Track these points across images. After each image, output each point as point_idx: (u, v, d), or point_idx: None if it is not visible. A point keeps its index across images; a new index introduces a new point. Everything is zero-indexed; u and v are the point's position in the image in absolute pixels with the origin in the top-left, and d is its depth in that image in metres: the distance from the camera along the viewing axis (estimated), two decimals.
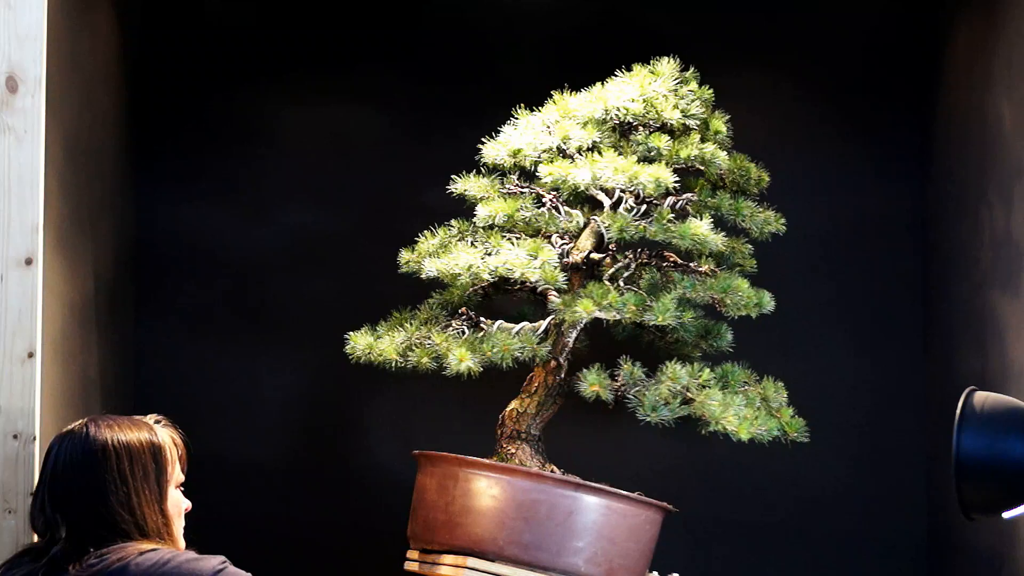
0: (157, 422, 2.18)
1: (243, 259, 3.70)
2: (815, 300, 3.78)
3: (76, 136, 2.91)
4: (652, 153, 2.78)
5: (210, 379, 3.69)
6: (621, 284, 2.76)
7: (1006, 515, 2.03)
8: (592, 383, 2.66)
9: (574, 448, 3.01)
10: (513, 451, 2.81)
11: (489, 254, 2.75)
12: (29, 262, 2.33)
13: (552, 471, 2.75)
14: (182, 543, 2.17)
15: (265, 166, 3.73)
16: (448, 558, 2.65)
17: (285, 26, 3.72)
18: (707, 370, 2.74)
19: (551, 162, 2.77)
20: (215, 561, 2.00)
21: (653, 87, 2.83)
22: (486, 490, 2.64)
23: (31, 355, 2.32)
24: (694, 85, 2.92)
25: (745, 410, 2.71)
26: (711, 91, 2.94)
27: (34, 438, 2.31)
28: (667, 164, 2.77)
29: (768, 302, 2.85)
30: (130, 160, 3.55)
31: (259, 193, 3.73)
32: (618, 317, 2.66)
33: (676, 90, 2.86)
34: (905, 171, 3.78)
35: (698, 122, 2.87)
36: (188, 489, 2.23)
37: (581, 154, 2.78)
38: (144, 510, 2.05)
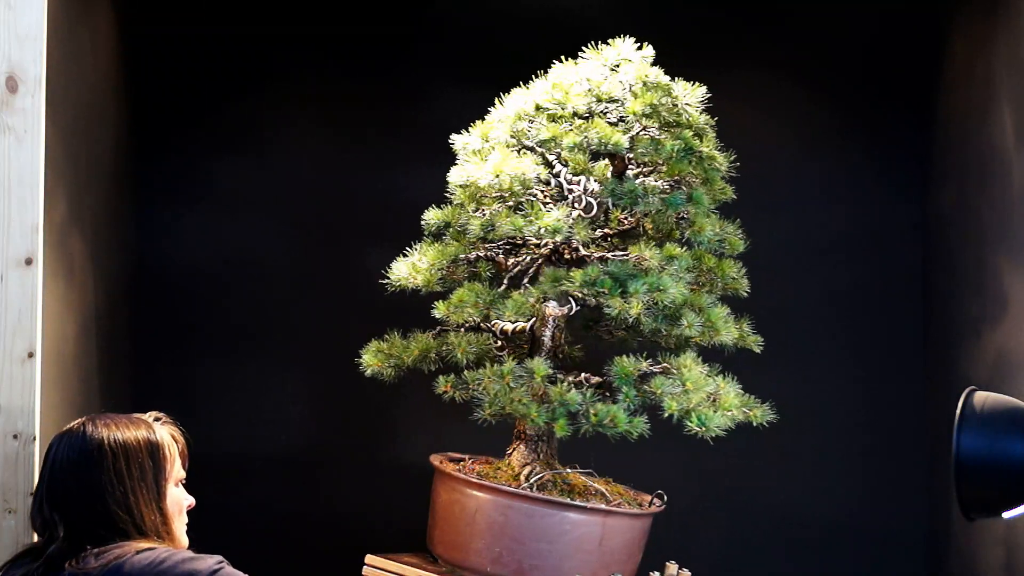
0: (157, 419, 2.18)
1: (243, 258, 3.71)
2: (815, 300, 3.78)
3: (76, 136, 2.91)
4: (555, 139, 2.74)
5: (210, 378, 3.70)
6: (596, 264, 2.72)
7: (1006, 515, 2.03)
8: (443, 384, 2.67)
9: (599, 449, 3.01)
10: (510, 451, 2.82)
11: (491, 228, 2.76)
12: (29, 262, 2.33)
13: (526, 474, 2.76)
14: (184, 540, 2.17)
15: (265, 167, 3.73)
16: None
17: (285, 27, 3.72)
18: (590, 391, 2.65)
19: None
20: (211, 561, 1.98)
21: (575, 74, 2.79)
22: (442, 494, 2.76)
23: (31, 355, 2.32)
24: (639, 69, 2.82)
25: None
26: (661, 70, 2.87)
27: (34, 438, 2.31)
28: (553, 153, 2.74)
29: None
30: (130, 160, 3.55)
31: (259, 193, 3.73)
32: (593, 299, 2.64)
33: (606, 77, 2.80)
34: (905, 171, 3.78)
35: (605, 106, 2.78)
36: (194, 487, 2.22)
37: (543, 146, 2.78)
38: (142, 509, 2.04)
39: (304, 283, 3.70)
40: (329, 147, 3.73)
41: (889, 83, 3.77)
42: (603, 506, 2.62)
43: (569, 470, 2.77)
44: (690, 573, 2.69)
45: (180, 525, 2.15)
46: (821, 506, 3.77)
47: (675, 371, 2.63)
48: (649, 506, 2.73)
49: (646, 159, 2.75)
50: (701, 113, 2.81)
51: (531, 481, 2.69)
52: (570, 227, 2.65)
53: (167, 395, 3.62)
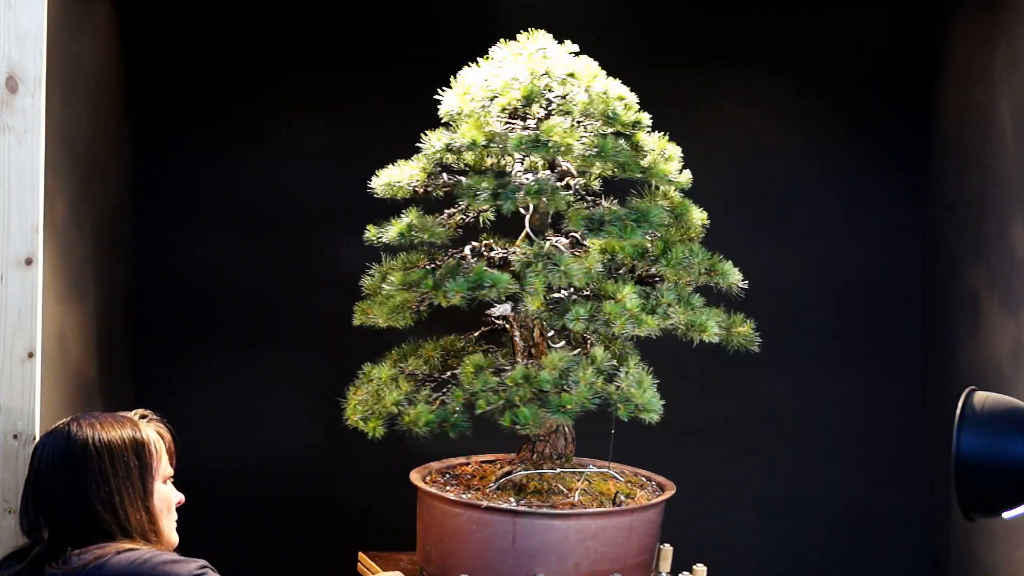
0: (143, 417, 2.15)
1: (243, 258, 3.71)
2: (815, 299, 3.78)
3: (76, 136, 2.91)
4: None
5: (211, 376, 3.70)
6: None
7: (1006, 515, 2.03)
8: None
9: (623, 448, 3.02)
10: (519, 449, 2.84)
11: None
12: (29, 262, 2.33)
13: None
14: (174, 538, 2.14)
15: (266, 166, 3.73)
16: None
17: (285, 27, 3.72)
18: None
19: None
20: (194, 565, 1.95)
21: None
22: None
23: (31, 355, 2.32)
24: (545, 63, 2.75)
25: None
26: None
27: (34, 438, 2.31)
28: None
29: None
30: (130, 160, 3.55)
31: (259, 193, 3.73)
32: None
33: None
34: (905, 171, 3.78)
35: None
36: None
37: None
38: (127, 509, 2.02)
39: (304, 283, 3.70)
40: (330, 148, 3.73)
41: (889, 83, 3.77)
42: (509, 506, 2.60)
43: (554, 471, 2.75)
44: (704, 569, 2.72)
45: (169, 523, 2.13)
46: (821, 506, 3.77)
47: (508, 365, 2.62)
48: (615, 506, 2.67)
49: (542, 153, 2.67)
50: (620, 103, 2.74)
51: (498, 481, 2.72)
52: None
53: (167, 394, 3.62)
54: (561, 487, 2.70)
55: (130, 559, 1.93)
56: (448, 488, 2.75)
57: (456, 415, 2.54)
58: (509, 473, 2.74)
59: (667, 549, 2.79)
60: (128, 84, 3.50)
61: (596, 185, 2.82)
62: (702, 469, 3.65)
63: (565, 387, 2.52)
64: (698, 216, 2.80)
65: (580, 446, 2.87)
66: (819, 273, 3.78)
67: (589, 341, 2.75)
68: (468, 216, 2.83)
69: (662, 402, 2.54)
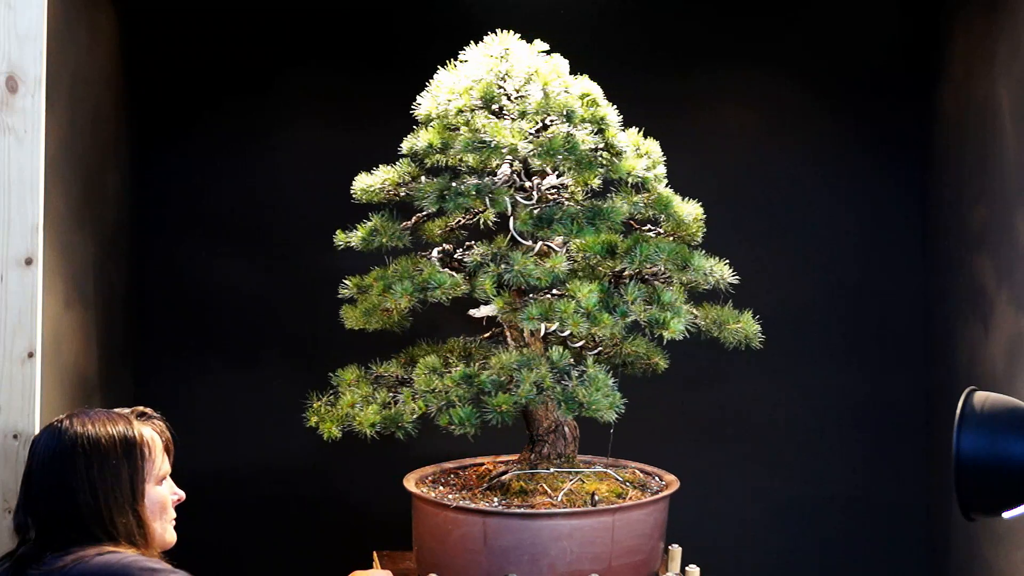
0: (141, 415, 2.10)
1: (244, 258, 3.70)
2: (815, 299, 3.78)
3: (76, 136, 2.91)
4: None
5: (212, 376, 3.70)
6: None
7: (1006, 515, 2.03)
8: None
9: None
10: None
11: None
12: (29, 262, 2.33)
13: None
14: (169, 538, 2.08)
15: (267, 166, 3.73)
16: None
17: (286, 27, 3.72)
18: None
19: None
20: None
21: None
22: None
23: (31, 355, 2.32)
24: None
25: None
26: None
27: None
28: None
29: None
30: (130, 159, 3.55)
31: (259, 193, 3.72)
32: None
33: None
34: (905, 171, 3.78)
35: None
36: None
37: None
38: (113, 514, 1.96)
39: (305, 286, 3.70)
40: (331, 148, 3.72)
41: (889, 82, 3.77)
42: (478, 507, 2.60)
43: (548, 471, 2.75)
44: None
45: (163, 524, 2.07)
46: (821, 504, 3.77)
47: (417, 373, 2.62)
48: (591, 506, 2.65)
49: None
50: (586, 101, 2.70)
51: (491, 482, 2.73)
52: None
53: (168, 394, 3.62)
54: (546, 487, 2.69)
55: (109, 561, 1.88)
56: (443, 488, 2.76)
57: (405, 416, 2.52)
58: (504, 473, 2.75)
59: (675, 550, 2.77)
60: (128, 84, 3.50)
61: (596, 184, 2.80)
62: (701, 468, 3.64)
63: (510, 388, 2.51)
64: (688, 211, 2.75)
65: (593, 445, 2.88)
66: (820, 271, 3.78)
67: (587, 341, 2.74)
68: (467, 219, 2.82)
69: (623, 400, 2.50)
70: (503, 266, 2.57)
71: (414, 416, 2.52)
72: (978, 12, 3.32)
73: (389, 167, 2.80)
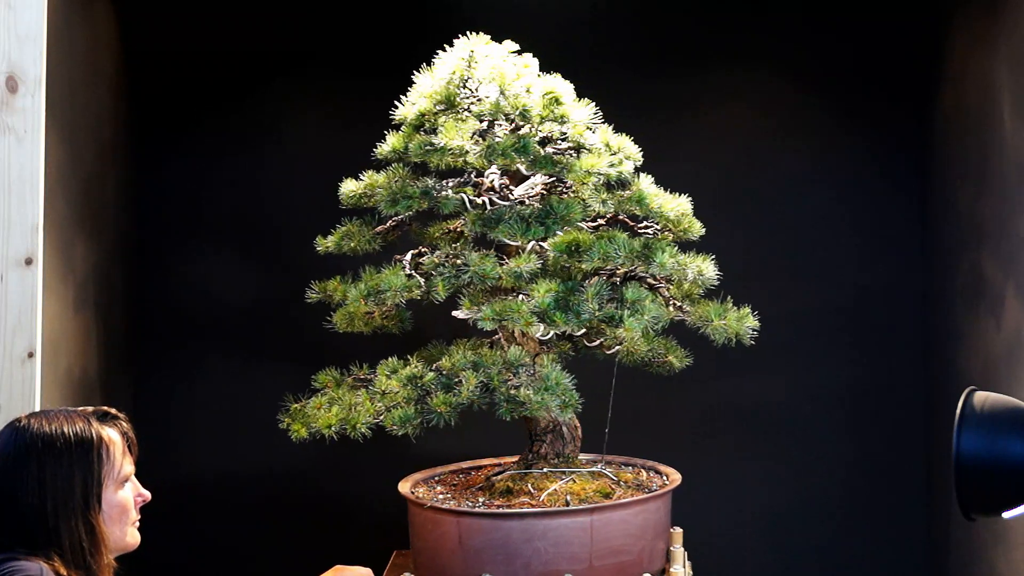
0: (104, 416, 1.95)
1: (244, 258, 3.70)
2: (815, 299, 3.78)
3: (76, 136, 2.91)
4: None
5: (212, 375, 3.69)
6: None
7: (1006, 515, 2.03)
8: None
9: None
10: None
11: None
12: (29, 262, 2.33)
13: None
14: (131, 540, 1.93)
15: (268, 166, 3.73)
16: None
17: (286, 27, 3.72)
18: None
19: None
20: None
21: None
22: None
23: (31, 355, 2.32)
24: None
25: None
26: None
27: None
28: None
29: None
30: (130, 159, 3.55)
31: (259, 193, 3.73)
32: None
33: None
34: (905, 170, 3.78)
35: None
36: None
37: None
38: (58, 520, 1.82)
39: (305, 287, 3.69)
40: (331, 148, 3.72)
41: (889, 82, 3.77)
42: (450, 507, 2.61)
43: (541, 471, 2.75)
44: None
45: (123, 528, 1.93)
46: (821, 504, 3.77)
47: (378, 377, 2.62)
48: (565, 506, 2.64)
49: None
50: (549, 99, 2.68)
51: (485, 481, 2.73)
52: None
53: (167, 394, 3.62)
54: (532, 487, 2.68)
55: (14, 569, 1.74)
56: (440, 488, 2.77)
57: (359, 418, 2.51)
58: (499, 473, 2.75)
59: (677, 551, 2.75)
60: (128, 84, 3.50)
61: (595, 184, 2.77)
62: (701, 467, 3.64)
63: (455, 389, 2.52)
64: (671, 206, 2.70)
65: (609, 445, 2.88)
66: (820, 271, 3.78)
67: (587, 339, 2.74)
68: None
69: (581, 400, 2.50)
70: (462, 268, 2.57)
71: (369, 417, 2.50)
72: (978, 12, 3.32)
73: (376, 172, 2.80)
